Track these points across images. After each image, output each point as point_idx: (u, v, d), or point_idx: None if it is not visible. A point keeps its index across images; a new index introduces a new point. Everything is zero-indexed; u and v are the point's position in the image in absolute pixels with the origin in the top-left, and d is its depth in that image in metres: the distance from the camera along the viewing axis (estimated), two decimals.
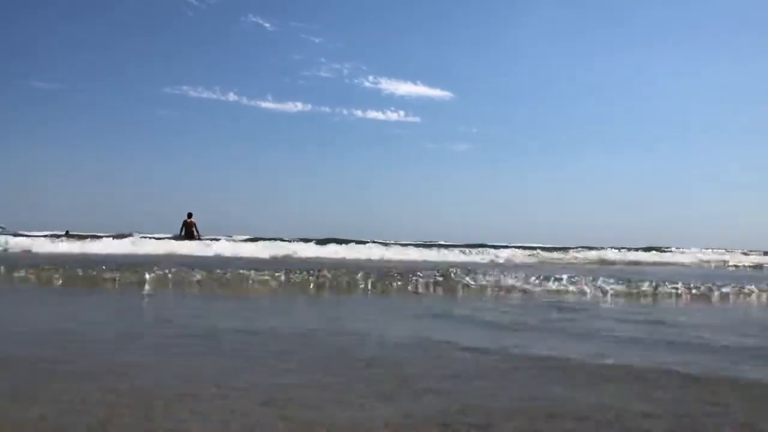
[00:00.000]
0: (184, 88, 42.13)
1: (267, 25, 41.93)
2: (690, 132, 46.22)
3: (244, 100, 42.17)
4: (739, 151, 45.77)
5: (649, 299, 7.65)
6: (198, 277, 7.99)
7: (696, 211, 44.48)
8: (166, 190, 43.47)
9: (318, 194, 46.23)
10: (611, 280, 8.38)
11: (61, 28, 41.74)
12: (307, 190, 46.64)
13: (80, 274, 8.00)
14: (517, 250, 21.14)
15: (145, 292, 7.16)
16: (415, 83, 43.18)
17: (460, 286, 8.14)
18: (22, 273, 8.11)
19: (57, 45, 42.24)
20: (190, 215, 20.47)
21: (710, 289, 8.04)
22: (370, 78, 43.06)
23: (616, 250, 23.05)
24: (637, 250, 24.41)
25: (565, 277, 8.57)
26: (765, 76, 44.21)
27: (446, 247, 22.54)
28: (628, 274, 10.33)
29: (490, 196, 46.97)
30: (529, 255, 19.88)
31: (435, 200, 46.94)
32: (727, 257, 23.50)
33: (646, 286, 8.12)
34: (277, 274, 8.19)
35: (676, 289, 8.00)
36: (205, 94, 41.58)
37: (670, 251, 25.98)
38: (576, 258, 20.80)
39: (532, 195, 46.49)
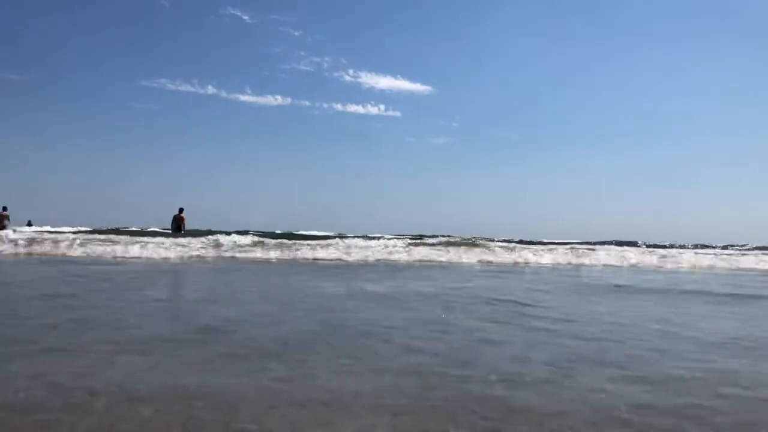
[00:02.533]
0: (162, 80, 41.35)
1: (245, 17, 41.48)
2: (672, 124, 47.01)
3: (223, 93, 41.72)
4: (724, 146, 46.55)
5: None
6: None
7: (686, 205, 45.26)
8: (142, 184, 42.77)
9: (297, 188, 45.98)
10: None
11: (35, 19, 40.53)
12: (287, 184, 46.30)
13: None
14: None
15: None
16: (395, 77, 43.31)
17: None
18: None
19: (30, 36, 41.04)
20: (181, 210, 21.06)
21: None
22: (350, 72, 42.89)
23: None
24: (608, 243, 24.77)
25: None
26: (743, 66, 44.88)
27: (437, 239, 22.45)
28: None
29: (471, 190, 47.32)
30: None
31: (415, 193, 47.06)
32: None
33: None
34: None
35: None
36: (183, 87, 40.97)
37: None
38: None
39: (512, 188, 46.90)
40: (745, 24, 43.65)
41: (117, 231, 19.63)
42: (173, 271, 10.46)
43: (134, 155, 44.24)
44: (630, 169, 47.58)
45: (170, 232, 20.34)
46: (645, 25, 45.67)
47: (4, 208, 21.44)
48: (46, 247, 14.29)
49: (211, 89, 41.03)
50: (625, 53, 46.56)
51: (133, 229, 21.63)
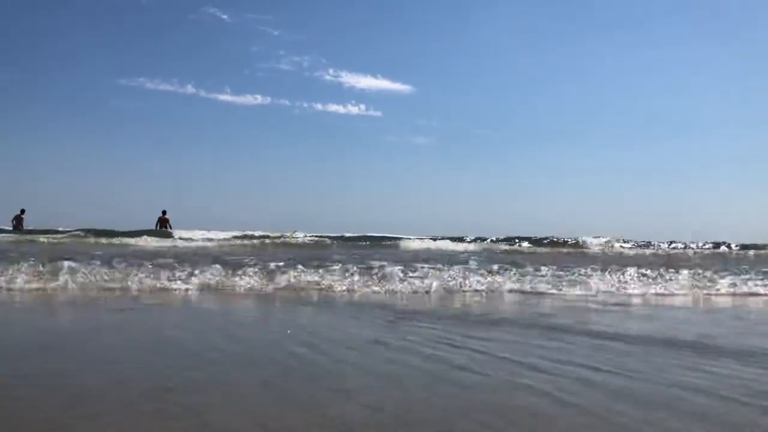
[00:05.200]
0: (141, 79, 40.67)
1: (224, 16, 41.44)
2: (658, 123, 47.30)
3: (202, 93, 42.06)
4: (707, 143, 46.83)
5: None
6: None
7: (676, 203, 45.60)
8: (122, 183, 42.57)
9: (278, 187, 46.12)
10: None
11: (16, 18, 40.70)
12: (268, 184, 46.62)
13: None
14: None
15: None
16: (375, 77, 43.68)
17: None
18: None
19: (8, 34, 41.33)
20: (164, 212, 22.85)
21: None
22: (330, 71, 43.18)
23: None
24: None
25: None
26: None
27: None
28: None
29: (452, 189, 47.83)
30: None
31: (397, 193, 47.58)
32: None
33: None
34: None
35: None
36: (162, 86, 41.04)
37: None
38: None
39: (494, 187, 47.12)
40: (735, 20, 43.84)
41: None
42: None
43: (114, 154, 44.37)
44: (616, 167, 47.30)
45: (156, 231, 21.49)
46: (628, 21, 45.55)
47: (22, 211, 22.36)
48: None
49: (190, 89, 41.64)
50: (607, 50, 46.14)
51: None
